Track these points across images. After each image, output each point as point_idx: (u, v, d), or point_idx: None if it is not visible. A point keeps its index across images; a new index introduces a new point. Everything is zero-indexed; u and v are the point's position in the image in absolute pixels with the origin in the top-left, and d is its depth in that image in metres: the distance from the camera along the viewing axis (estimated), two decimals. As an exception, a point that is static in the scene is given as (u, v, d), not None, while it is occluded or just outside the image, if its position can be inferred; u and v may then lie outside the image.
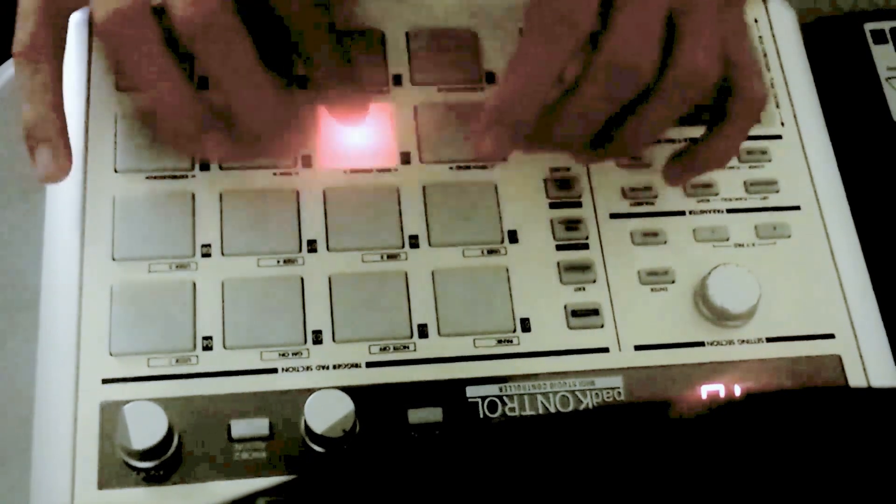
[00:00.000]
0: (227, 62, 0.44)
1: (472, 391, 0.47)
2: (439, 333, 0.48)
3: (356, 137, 0.51)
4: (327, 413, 0.44)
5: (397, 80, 0.53)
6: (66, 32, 0.48)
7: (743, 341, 0.49)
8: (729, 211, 0.52)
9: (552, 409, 0.47)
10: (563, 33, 0.43)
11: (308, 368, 0.46)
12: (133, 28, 0.44)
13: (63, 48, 0.47)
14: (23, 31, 0.46)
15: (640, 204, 0.52)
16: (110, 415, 0.44)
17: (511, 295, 0.49)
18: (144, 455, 0.43)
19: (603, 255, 0.50)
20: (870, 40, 0.62)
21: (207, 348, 0.46)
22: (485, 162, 0.51)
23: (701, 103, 0.46)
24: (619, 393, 0.48)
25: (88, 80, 0.51)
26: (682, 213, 0.52)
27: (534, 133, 0.46)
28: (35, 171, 0.46)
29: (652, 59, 0.43)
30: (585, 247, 0.50)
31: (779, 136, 0.54)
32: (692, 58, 0.44)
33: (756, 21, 0.57)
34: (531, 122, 0.45)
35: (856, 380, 0.49)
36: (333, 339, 0.47)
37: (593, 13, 0.42)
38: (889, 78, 0.61)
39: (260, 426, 0.45)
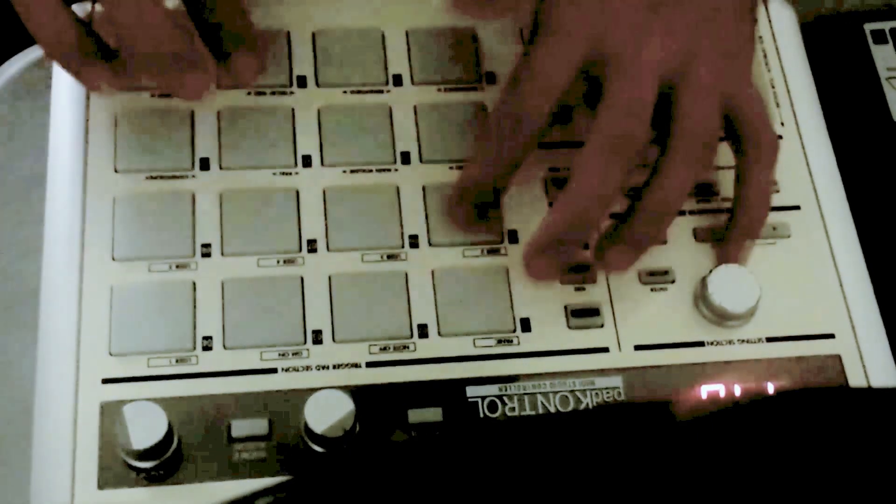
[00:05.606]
0: None
1: (472, 391, 0.47)
2: (439, 333, 0.48)
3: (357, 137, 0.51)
4: (327, 413, 0.44)
5: (397, 80, 0.53)
6: None
7: (743, 341, 0.49)
8: (729, 211, 0.52)
9: (552, 409, 0.47)
10: (622, 150, 0.45)
11: (308, 368, 0.46)
12: None
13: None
14: None
15: (640, 204, 0.51)
16: (110, 415, 0.44)
17: (511, 295, 0.49)
18: (144, 455, 0.42)
19: (603, 255, 0.50)
20: (870, 40, 0.62)
21: (207, 348, 0.46)
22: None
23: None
24: (619, 393, 0.48)
25: (88, 80, 0.50)
26: (682, 213, 0.52)
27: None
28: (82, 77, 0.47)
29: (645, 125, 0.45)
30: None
31: (779, 136, 0.54)
32: (692, 115, 0.46)
33: (756, 21, 0.57)
34: (583, 242, 0.47)
35: (856, 380, 0.49)
36: (333, 339, 0.47)
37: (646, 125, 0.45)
38: (889, 78, 0.61)
39: (260, 426, 0.45)
